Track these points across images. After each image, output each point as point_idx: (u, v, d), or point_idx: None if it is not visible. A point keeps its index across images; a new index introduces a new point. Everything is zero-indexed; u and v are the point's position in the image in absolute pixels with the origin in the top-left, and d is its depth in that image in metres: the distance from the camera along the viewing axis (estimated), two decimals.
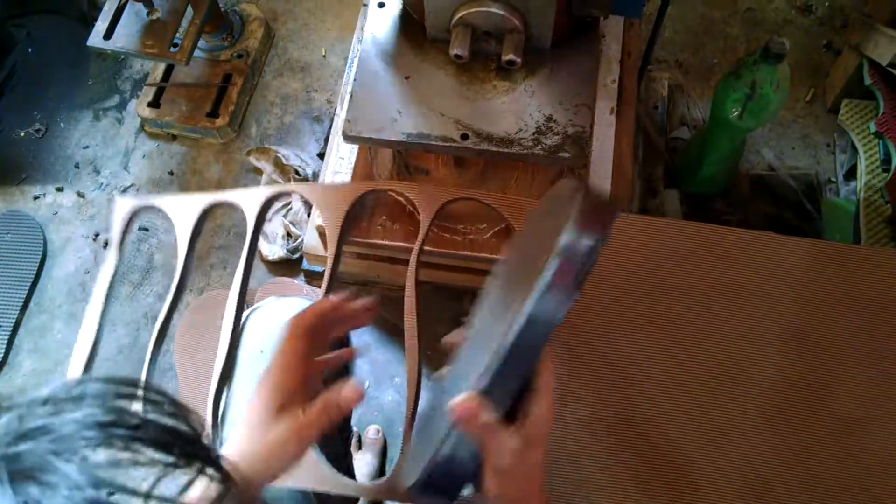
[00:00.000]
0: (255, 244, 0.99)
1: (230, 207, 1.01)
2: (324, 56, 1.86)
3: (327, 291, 0.90)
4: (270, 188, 0.98)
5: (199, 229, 1.01)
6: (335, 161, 1.13)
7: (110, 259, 1.03)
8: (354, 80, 1.00)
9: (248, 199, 0.99)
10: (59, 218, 1.72)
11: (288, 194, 1.01)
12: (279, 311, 1.00)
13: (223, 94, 1.76)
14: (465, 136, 0.95)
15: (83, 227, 1.71)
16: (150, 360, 0.98)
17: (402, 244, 1.04)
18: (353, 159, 1.10)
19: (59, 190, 1.75)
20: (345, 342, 1.07)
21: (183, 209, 1.01)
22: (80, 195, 1.74)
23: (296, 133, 1.78)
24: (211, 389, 0.93)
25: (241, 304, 0.97)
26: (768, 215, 1.63)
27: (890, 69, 1.46)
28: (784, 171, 1.67)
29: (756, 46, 1.70)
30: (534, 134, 0.95)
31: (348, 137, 0.96)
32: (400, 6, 1.04)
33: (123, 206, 1.04)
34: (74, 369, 0.99)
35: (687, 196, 1.63)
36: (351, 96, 0.98)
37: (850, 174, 1.66)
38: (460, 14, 0.93)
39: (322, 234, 1.13)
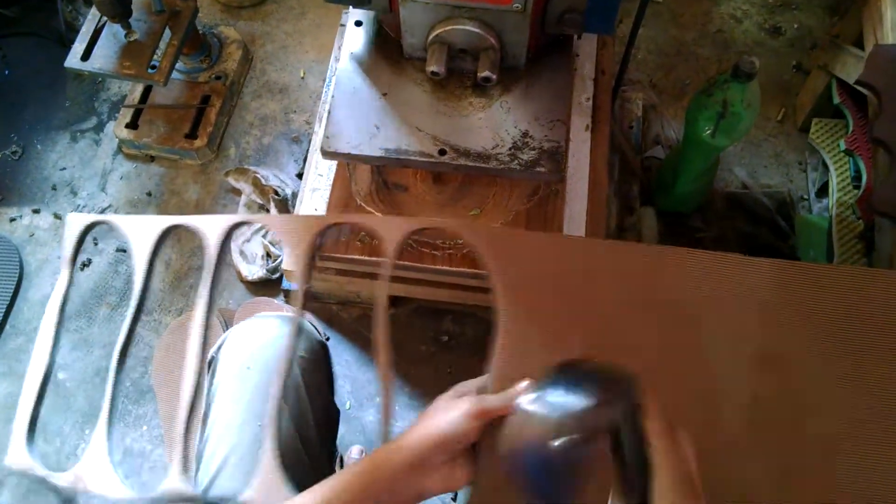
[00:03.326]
0: (219, 274, 0.97)
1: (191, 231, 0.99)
2: (302, 77, 1.87)
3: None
4: (233, 217, 0.97)
5: (157, 251, 0.99)
6: (313, 178, 1.14)
7: (62, 278, 1.00)
8: (332, 96, 1.01)
9: (210, 226, 0.97)
10: (36, 240, 1.71)
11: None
12: (262, 327, 0.99)
13: (201, 115, 1.76)
14: (442, 152, 0.96)
15: (60, 248, 1.69)
16: (114, 384, 0.96)
17: (380, 259, 1.04)
18: (332, 176, 1.11)
19: (36, 212, 1.74)
20: (328, 371, 1.07)
21: (141, 230, 0.99)
22: (57, 217, 1.73)
23: (274, 154, 1.78)
24: (179, 426, 0.91)
25: (205, 341, 0.95)
26: (743, 232, 1.66)
27: (858, 87, 1.49)
28: (757, 189, 1.70)
29: (727, 67, 1.73)
30: (510, 149, 0.96)
31: (326, 153, 0.97)
32: (376, 24, 1.06)
33: (75, 221, 1.02)
34: (26, 399, 0.96)
35: (663, 214, 1.65)
36: (329, 113, 0.99)
37: (822, 191, 1.69)
38: (436, 32, 0.94)
39: None
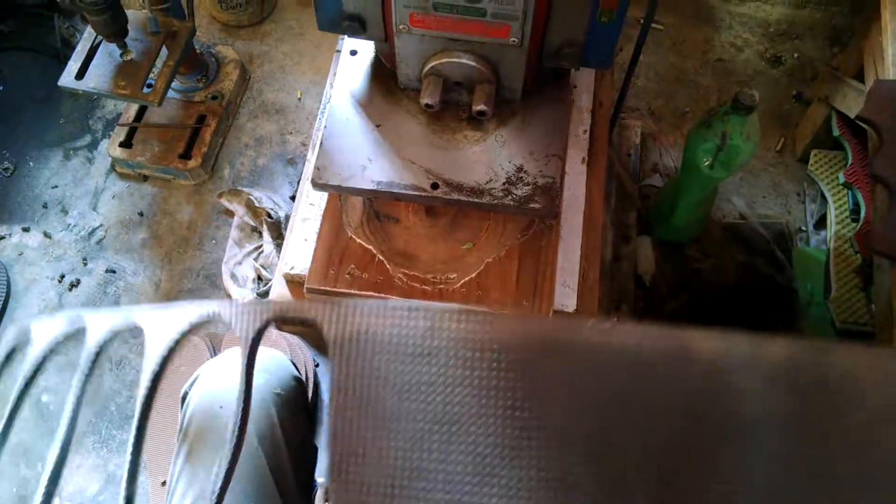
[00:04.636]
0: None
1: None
2: (299, 99, 1.86)
3: None
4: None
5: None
6: (305, 207, 1.12)
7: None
8: (324, 126, 0.99)
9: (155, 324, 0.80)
10: (25, 259, 1.68)
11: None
12: (235, 364, 0.97)
13: (196, 135, 1.75)
14: (435, 186, 0.95)
15: (49, 268, 1.67)
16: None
17: (370, 294, 1.02)
18: (323, 206, 1.09)
19: (26, 230, 1.72)
20: (305, 407, 1.05)
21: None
22: (47, 236, 1.71)
23: (269, 175, 1.77)
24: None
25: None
26: (740, 263, 1.64)
27: (857, 121, 1.48)
28: (755, 220, 1.68)
29: (727, 96, 1.72)
30: (504, 184, 0.94)
31: (317, 185, 0.95)
32: (372, 54, 1.04)
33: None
34: None
35: (659, 243, 1.64)
36: (320, 143, 0.97)
37: (821, 223, 1.67)
38: (432, 64, 0.92)
39: (291, 282, 1.11)
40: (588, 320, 0.67)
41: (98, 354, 0.86)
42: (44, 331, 0.85)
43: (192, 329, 0.84)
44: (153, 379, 0.78)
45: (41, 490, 0.76)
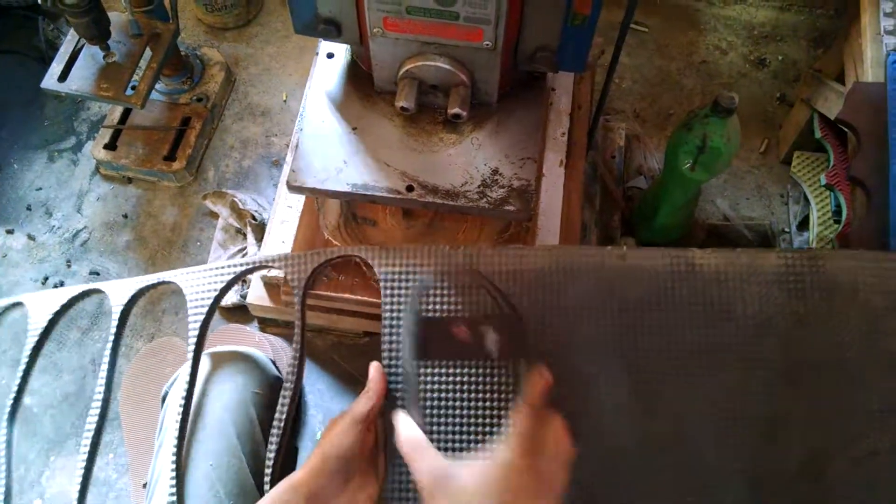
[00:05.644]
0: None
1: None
2: (284, 101, 1.86)
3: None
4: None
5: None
6: (283, 209, 1.12)
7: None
8: (301, 129, 0.99)
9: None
10: (8, 261, 1.68)
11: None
12: (214, 364, 0.98)
13: (181, 137, 1.74)
14: (410, 188, 0.95)
15: (33, 270, 1.67)
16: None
17: (347, 296, 1.02)
18: (301, 208, 1.09)
19: (10, 232, 1.71)
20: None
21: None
22: (31, 238, 1.70)
23: (254, 177, 1.77)
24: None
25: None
26: None
27: (838, 124, 1.49)
28: (739, 222, 1.69)
29: (711, 98, 1.73)
30: (479, 187, 0.95)
31: (292, 187, 0.95)
32: (348, 57, 1.05)
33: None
34: None
35: (643, 244, 1.64)
36: (296, 146, 0.98)
37: (803, 225, 1.68)
38: (407, 67, 0.93)
39: (268, 284, 1.12)
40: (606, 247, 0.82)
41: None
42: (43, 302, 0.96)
43: (239, 277, 0.89)
44: (202, 326, 0.87)
45: None
